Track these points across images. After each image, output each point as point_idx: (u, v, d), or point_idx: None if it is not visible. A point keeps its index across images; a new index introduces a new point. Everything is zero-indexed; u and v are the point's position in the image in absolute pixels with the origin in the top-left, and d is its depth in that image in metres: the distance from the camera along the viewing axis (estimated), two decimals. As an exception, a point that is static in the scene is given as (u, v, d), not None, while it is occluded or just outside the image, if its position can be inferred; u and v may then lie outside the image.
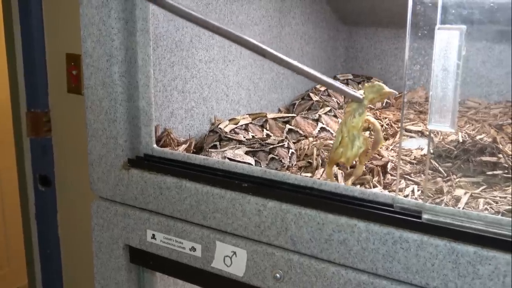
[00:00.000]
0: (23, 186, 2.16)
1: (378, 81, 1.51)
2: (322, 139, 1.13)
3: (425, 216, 0.67)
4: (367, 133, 1.20)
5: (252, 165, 0.93)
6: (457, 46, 0.64)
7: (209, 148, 1.02)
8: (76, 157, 1.99)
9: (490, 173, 0.89)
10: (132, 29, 0.88)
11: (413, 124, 1.19)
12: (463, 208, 0.76)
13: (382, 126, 1.21)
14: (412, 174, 0.91)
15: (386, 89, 0.87)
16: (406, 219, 0.68)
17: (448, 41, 0.64)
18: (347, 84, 1.48)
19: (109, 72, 0.88)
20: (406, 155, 0.99)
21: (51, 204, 2.11)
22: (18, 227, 2.38)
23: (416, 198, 0.82)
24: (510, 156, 0.93)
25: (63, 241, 2.13)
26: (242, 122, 1.14)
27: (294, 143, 1.09)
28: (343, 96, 1.44)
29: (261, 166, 0.97)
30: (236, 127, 1.12)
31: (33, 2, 1.94)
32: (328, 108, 1.23)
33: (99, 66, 0.89)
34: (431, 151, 0.98)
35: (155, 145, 0.91)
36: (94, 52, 0.89)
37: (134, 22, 0.88)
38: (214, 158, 0.89)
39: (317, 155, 1.00)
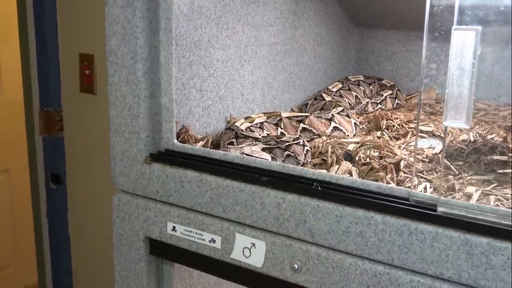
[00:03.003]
0: (35, 184, 2.19)
1: (389, 83, 1.54)
2: (335, 138, 1.15)
3: (440, 209, 0.70)
4: (378, 132, 1.23)
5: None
6: (473, 46, 0.66)
7: (227, 144, 1.05)
8: (87, 155, 2.02)
9: (500, 171, 0.92)
10: (155, 28, 0.91)
11: (424, 125, 1.22)
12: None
13: (393, 126, 1.24)
14: (424, 172, 0.94)
15: None
16: (422, 212, 0.71)
17: (464, 41, 0.67)
18: (358, 85, 1.51)
19: (133, 69, 0.92)
20: (418, 154, 1.02)
21: (61, 202, 2.14)
22: (26, 225, 2.41)
23: (429, 194, 0.84)
24: (520, 155, 0.95)
25: (73, 238, 2.16)
26: (257, 120, 1.17)
27: (308, 141, 1.12)
28: (354, 97, 1.46)
29: (277, 163, 1.00)
30: (251, 125, 1.15)
31: (47, 3, 1.98)
32: (340, 108, 1.26)
33: (124, 63, 0.92)
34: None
35: (176, 141, 0.94)
36: (119, 50, 0.92)
37: (157, 22, 0.91)
38: (233, 153, 0.92)
39: (332, 152, 1.02)
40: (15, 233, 3.05)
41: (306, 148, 1.04)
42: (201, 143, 1.06)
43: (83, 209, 2.09)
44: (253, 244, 0.84)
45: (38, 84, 2.07)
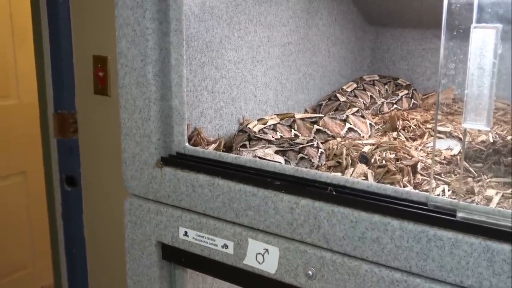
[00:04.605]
0: (50, 186, 2.21)
1: (405, 82, 1.51)
2: (350, 139, 1.13)
3: (459, 214, 0.67)
4: (394, 133, 1.20)
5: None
6: (493, 44, 0.64)
7: (239, 147, 1.03)
8: (102, 157, 2.02)
9: (522, 173, 0.89)
10: (166, 29, 0.90)
11: (441, 125, 1.19)
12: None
13: (410, 126, 1.21)
14: (442, 174, 0.91)
15: None
16: (441, 217, 0.68)
17: (484, 40, 0.64)
18: (373, 85, 1.48)
19: (143, 71, 0.90)
20: (436, 156, 0.99)
21: (76, 204, 2.15)
22: (43, 227, 2.42)
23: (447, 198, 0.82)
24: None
25: (88, 240, 2.17)
26: (270, 122, 1.15)
27: (322, 143, 1.10)
28: (369, 97, 1.44)
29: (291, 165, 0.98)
30: (264, 127, 1.13)
31: (61, 6, 1.98)
32: (355, 109, 1.23)
33: (134, 66, 0.91)
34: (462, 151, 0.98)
35: (187, 144, 0.92)
36: (129, 52, 0.91)
37: (168, 23, 0.89)
38: (246, 156, 0.90)
39: (347, 154, 1.00)
40: (32, 235, 3.07)
41: (320, 150, 1.02)
42: (214, 145, 1.04)
43: (98, 212, 2.10)
44: (266, 250, 0.82)
45: (52, 86, 2.08)
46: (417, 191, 0.78)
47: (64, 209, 2.17)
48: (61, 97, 2.08)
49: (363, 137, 1.18)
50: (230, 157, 0.88)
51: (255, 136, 1.05)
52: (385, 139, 1.14)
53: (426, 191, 0.83)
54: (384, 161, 0.96)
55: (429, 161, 0.97)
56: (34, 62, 2.12)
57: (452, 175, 0.91)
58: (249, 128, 1.09)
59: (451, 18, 0.67)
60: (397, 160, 0.96)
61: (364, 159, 0.98)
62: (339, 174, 0.94)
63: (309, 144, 1.02)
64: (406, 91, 1.45)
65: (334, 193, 0.76)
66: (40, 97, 2.13)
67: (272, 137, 1.10)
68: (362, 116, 1.22)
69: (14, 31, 2.84)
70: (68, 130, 2.10)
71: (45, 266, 2.74)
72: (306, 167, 0.98)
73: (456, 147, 1.04)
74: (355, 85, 1.46)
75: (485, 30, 0.64)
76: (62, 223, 2.18)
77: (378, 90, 1.48)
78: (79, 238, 2.16)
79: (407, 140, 1.14)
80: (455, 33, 0.67)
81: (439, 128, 1.18)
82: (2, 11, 2.78)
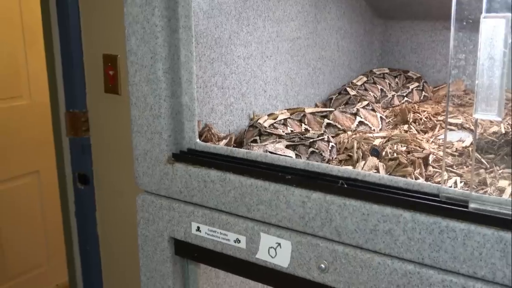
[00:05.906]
0: (63, 185, 2.22)
1: (415, 75, 1.50)
2: (361, 133, 1.13)
3: (472, 205, 0.67)
4: (405, 126, 1.20)
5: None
6: (503, 34, 0.63)
7: (250, 142, 1.03)
8: (114, 155, 2.03)
9: (534, 164, 0.88)
10: (175, 26, 0.90)
11: (452, 117, 1.18)
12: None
13: (421, 119, 1.21)
14: (454, 166, 0.91)
15: None
16: (453, 209, 0.68)
17: (493, 30, 0.64)
18: (383, 78, 1.48)
19: (153, 69, 0.91)
20: (447, 147, 0.99)
21: (89, 202, 2.16)
22: (57, 226, 2.45)
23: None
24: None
25: (102, 237, 2.18)
26: (280, 117, 1.15)
27: (332, 137, 1.10)
28: (379, 90, 1.43)
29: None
30: (275, 122, 1.13)
31: (71, 6, 1.99)
32: (366, 102, 1.23)
33: (144, 63, 0.92)
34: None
35: (198, 140, 0.93)
36: (139, 50, 0.92)
37: (177, 20, 0.90)
38: (256, 151, 0.90)
39: (358, 148, 1.00)
40: (46, 233, 3.10)
41: (331, 144, 1.02)
42: (224, 141, 1.05)
43: (111, 209, 2.11)
44: (279, 244, 0.82)
45: (64, 85, 2.09)
46: (429, 183, 0.78)
47: (77, 207, 2.19)
48: (72, 96, 2.09)
49: (373, 130, 1.17)
50: (241, 152, 0.89)
51: (266, 131, 1.06)
52: (396, 132, 1.14)
53: (438, 183, 0.83)
54: (395, 154, 0.95)
55: (441, 153, 0.96)
56: (45, 61, 2.14)
57: (464, 167, 0.90)
58: (259, 123, 1.09)
59: (460, 8, 0.67)
60: (408, 152, 0.96)
61: (375, 152, 0.98)
62: (350, 167, 0.94)
63: (320, 138, 1.02)
64: (416, 84, 1.45)
65: (345, 186, 0.76)
66: (52, 96, 2.15)
67: (283, 131, 1.10)
68: (373, 110, 1.22)
69: (24, 31, 2.87)
70: (80, 128, 2.11)
71: (59, 264, 2.77)
72: (317, 161, 0.99)
73: (468, 139, 1.04)
74: (365, 79, 1.45)
75: (495, 19, 0.63)
76: (75, 221, 2.20)
77: (389, 83, 1.47)
78: (92, 236, 2.18)
79: (418, 132, 1.14)
80: (464, 23, 0.67)
81: (450, 120, 1.18)
82: (13, 11, 2.81)
